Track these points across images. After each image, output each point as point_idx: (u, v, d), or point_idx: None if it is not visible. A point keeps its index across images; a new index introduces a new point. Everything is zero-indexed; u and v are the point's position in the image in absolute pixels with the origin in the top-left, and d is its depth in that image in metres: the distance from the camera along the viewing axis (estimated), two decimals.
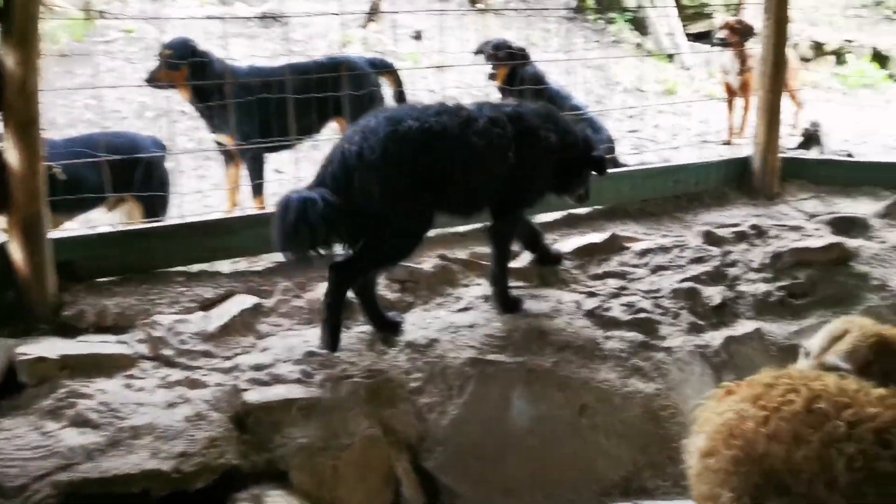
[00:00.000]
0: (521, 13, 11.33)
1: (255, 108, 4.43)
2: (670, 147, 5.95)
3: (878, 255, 4.21)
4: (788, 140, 7.36)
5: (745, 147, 5.44)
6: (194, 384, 2.91)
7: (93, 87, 6.18)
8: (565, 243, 4.16)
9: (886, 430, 1.99)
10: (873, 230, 4.55)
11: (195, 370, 3.00)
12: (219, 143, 4.89)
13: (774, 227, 4.45)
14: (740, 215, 4.78)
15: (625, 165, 5.69)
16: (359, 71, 4.89)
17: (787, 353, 3.54)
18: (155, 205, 4.25)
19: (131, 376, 2.97)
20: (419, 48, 9.92)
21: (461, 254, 3.94)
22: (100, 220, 4.43)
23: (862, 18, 12.54)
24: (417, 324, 3.41)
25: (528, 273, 3.90)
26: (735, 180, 5.22)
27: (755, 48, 5.24)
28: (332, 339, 3.11)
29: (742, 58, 7.25)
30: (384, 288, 3.67)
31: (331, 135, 5.35)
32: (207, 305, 3.39)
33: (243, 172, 4.98)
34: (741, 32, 7.27)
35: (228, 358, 3.09)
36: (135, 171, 4.07)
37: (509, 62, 5.83)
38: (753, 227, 4.42)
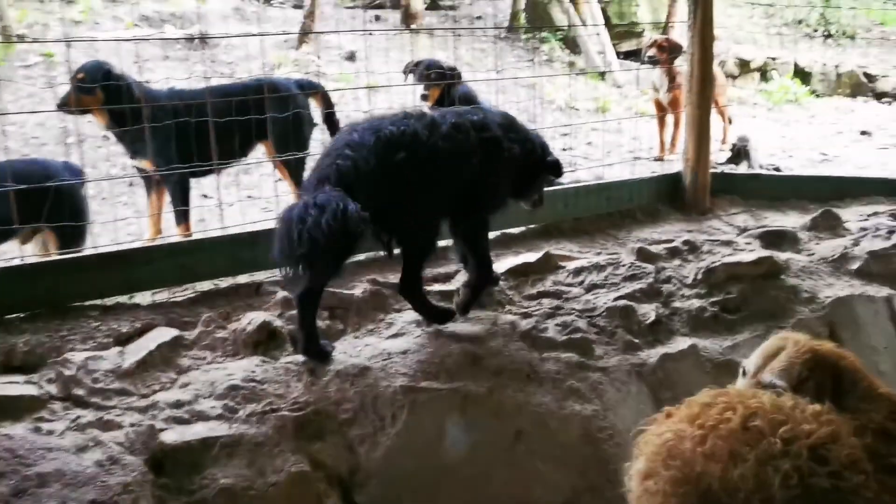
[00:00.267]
0: (454, 33, 11.35)
1: (174, 133, 4.26)
2: (603, 164, 5.96)
3: (807, 268, 4.26)
4: (719, 155, 7.48)
5: (677, 163, 5.48)
6: (107, 426, 2.73)
7: (3, 112, 5.90)
8: (499, 263, 4.10)
9: (821, 445, 1.98)
10: (802, 243, 4.61)
11: (109, 410, 2.82)
12: (139, 169, 4.70)
13: (707, 242, 4.47)
14: (673, 231, 4.80)
15: (559, 184, 5.66)
16: (284, 92, 4.77)
17: (722, 368, 3.54)
18: (70, 235, 4.03)
19: (40, 419, 2.77)
20: (354, 69, 9.83)
21: (393, 278, 3.84)
22: (13, 254, 4.21)
23: (784, 36, 12.92)
24: (348, 352, 3.29)
25: None
26: (667, 196, 5.25)
27: (683, 65, 5.30)
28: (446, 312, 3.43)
29: (671, 75, 7.35)
30: None
31: (260, 158, 5.22)
32: (124, 340, 3.21)
33: (168, 199, 4.79)
34: (669, 50, 7.38)
35: (145, 396, 2.92)
36: (46, 199, 3.86)
37: (441, 82, 5.78)
38: (686, 242, 4.42)
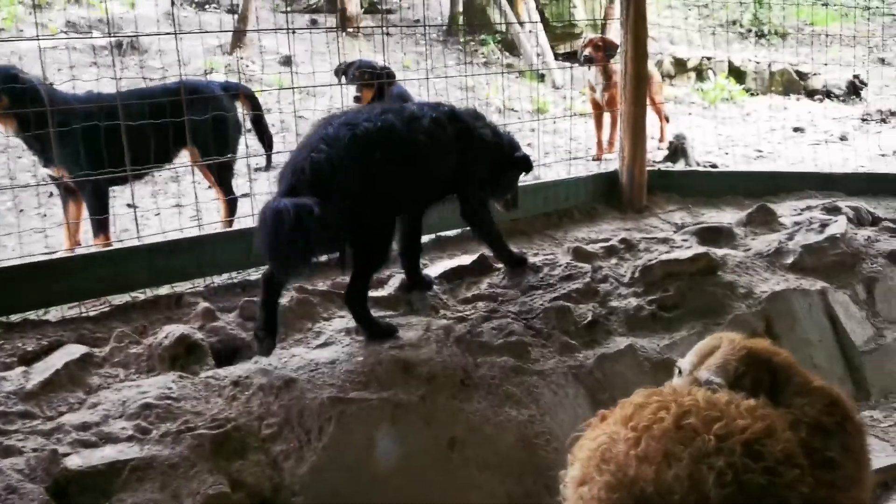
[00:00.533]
0: (392, 37, 11.23)
1: (88, 138, 4.03)
2: (540, 164, 5.89)
3: (743, 263, 4.23)
4: (657, 154, 7.49)
5: (614, 162, 5.44)
6: (7, 452, 2.53)
7: None
8: (433, 267, 3.99)
9: (756, 441, 1.94)
10: (738, 238, 4.59)
11: (10, 435, 2.61)
12: (52, 177, 4.45)
13: (643, 241, 4.42)
14: (610, 230, 4.75)
15: None
16: (207, 94, 4.57)
17: (661, 367, 3.48)
18: None
19: None
20: (291, 73, 9.62)
21: (322, 285, 3.70)
22: None
23: (718, 36, 13.10)
24: (273, 363, 3.14)
25: (395, 301, 3.71)
26: (604, 195, 5.21)
27: (620, 64, 5.27)
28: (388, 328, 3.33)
29: (607, 74, 7.33)
30: (237, 327, 3.38)
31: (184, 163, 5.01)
32: (29, 359, 3.02)
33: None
34: (605, 49, 7.36)
35: (51, 418, 2.73)
36: None
37: (374, 82, 5.65)
38: (623, 241, 4.37)
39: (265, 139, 5.28)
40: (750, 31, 14.47)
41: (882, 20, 13.19)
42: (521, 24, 11.77)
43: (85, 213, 4.51)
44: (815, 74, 11.95)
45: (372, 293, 3.70)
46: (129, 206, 5.71)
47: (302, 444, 2.84)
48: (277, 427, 2.86)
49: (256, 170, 6.23)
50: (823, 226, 4.57)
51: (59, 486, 2.46)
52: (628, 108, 5.17)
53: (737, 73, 12.24)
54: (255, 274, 3.88)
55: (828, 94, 11.81)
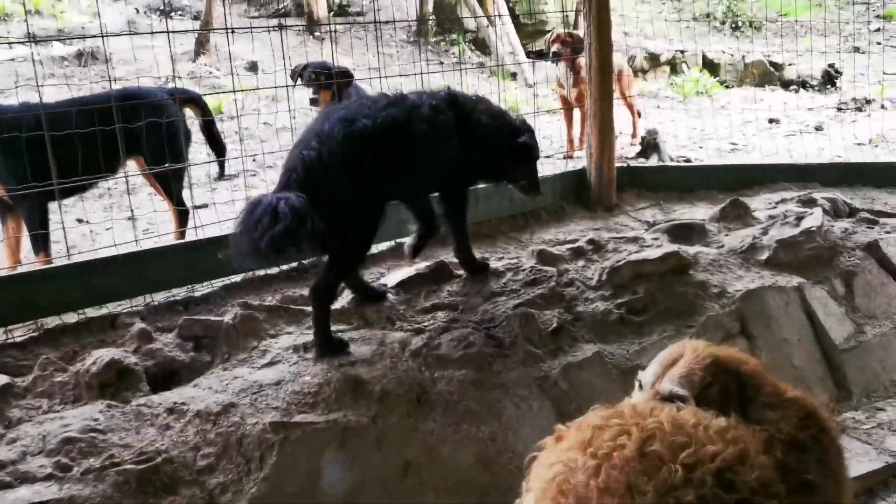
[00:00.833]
0: (361, 39, 11.02)
1: (24, 149, 3.80)
2: None
3: (716, 261, 4.05)
4: (630, 149, 7.31)
5: (584, 159, 5.25)
6: None
7: None
8: (389, 276, 3.78)
9: (728, 469, 1.75)
10: (711, 235, 4.41)
11: None
12: None
13: (612, 240, 4.22)
14: (578, 230, 4.55)
15: None
16: (151, 101, 4.34)
17: (630, 375, 3.24)
18: None
19: None
20: (257, 79, 9.40)
21: (269, 299, 3.48)
22: None
23: (692, 29, 12.97)
24: (213, 387, 2.93)
25: (348, 314, 3.49)
26: (572, 193, 5.01)
27: (584, 57, 5.08)
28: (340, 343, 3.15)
29: (576, 70, 7.15)
30: (175, 348, 3.16)
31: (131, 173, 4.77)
32: None
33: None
34: (572, 44, 7.17)
35: None
36: None
37: (329, 82, 5.44)
38: (591, 241, 4.17)
39: (217, 146, 5.05)
40: (724, 23, 14.36)
41: (855, 9, 13.10)
42: (491, 20, 11.57)
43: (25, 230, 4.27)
44: (789, 65, 11.84)
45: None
46: (78, 220, 5.48)
47: (241, 475, 2.63)
48: (214, 457, 2.64)
49: (217, 179, 6.01)
50: (799, 219, 4.40)
51: None
52: (595, 102, 4.97)
53: (711, 66, 12.13)
54: (200, 290, 3.66)
55: (803, 85, 11.70)
